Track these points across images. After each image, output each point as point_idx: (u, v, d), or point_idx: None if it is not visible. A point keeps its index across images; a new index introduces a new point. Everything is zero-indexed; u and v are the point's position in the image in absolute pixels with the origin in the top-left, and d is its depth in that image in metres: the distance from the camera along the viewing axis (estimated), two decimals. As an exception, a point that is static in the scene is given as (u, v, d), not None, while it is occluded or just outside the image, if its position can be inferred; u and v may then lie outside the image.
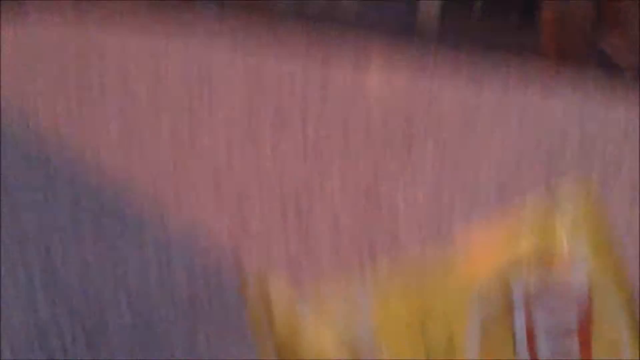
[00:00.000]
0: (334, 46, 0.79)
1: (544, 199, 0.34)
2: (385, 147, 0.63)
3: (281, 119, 0.67)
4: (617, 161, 0.59)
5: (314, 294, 0.31)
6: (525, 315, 0.31)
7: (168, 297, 0.47)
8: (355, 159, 0.61)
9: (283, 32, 0.93)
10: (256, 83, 0.73)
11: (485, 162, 0.60)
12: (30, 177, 0.60)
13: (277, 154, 0.62)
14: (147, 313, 0.46)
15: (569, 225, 0.33)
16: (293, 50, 0.80)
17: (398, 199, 0.56)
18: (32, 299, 0.48)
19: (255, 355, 0.33)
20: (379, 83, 0.65)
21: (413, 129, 0.65)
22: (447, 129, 0.64)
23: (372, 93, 0.68)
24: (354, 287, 0.31)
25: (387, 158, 0.61)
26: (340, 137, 0.64)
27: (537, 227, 0.33)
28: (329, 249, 0.52)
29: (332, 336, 0.29)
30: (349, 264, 0.49)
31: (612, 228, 0.33)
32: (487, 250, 0.32)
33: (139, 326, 0.45)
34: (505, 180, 0.57)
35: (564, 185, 0.34)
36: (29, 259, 0.51)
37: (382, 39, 0.80)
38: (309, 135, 0.64)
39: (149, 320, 0.46)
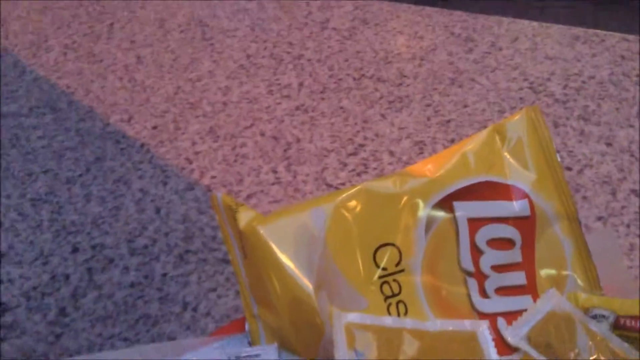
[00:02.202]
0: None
1: (492, 126, 0.36)
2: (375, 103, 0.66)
3: (279, 70, 0.71)
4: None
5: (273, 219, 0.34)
6: (469, 232, 0.34)
7: (163, 239, 0.52)
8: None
9: None
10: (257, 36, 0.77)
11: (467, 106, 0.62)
12: (40, 115, 0.65)
13: (271, 102, 0.66)
14: (146, 254, 0.51)
15: (513, 147, 0.36)
16: (294, 2, 0.83)
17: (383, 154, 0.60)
18: (39, 238, 0.52)
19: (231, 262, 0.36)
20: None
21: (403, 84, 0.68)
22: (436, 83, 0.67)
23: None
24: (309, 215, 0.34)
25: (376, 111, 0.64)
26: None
27: (484, 148, 0.36)
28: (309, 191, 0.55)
29: (288, 256, 0.33)
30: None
31: (555, 150, 0.36)
32: (436, 170, 0.35)
33: (139, 264, 0.50)
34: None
35: (513, 115, 0.37)
36: (37, 194, 0.56)
37: None
38: (302, 87, 0.68)
39: (148, 261, 0.50)
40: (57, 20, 0.88)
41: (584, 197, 0.52)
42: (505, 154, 0.36)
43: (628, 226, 0.49)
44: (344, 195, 0.34)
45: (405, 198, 0.34)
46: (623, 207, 0.50)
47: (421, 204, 0.34)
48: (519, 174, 0.36)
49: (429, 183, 0.35)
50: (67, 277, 0.49)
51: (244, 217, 0.34)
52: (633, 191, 0.52)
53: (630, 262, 0.46)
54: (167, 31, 0.83)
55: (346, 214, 0.34)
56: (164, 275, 0.49)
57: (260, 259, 0.33)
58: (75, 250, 0.51)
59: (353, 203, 0.34)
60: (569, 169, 0.55)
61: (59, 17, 0.88)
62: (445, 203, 0.34)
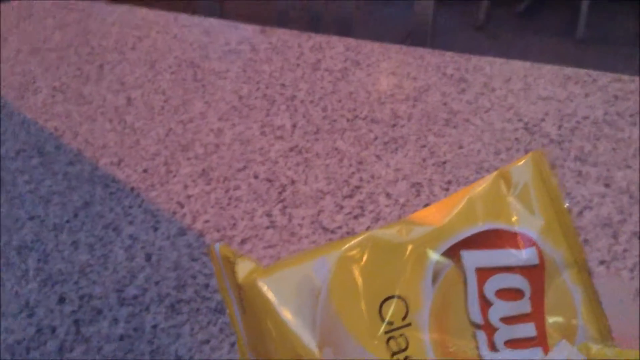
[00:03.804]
0: (329, 45, 0.82)
1: (497, 172, 0.36)
2: (370, 144, 0.65)
3: (271, 110, 0.70)
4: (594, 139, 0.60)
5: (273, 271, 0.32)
6: (477, 283, 0.33)
7: (154, 288, 0.50)
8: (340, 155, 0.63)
9: (278, 23, 0.97)
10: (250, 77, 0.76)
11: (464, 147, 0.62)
12: (27, 158, 0.63)
13: (264, 143, 0.65)
14: (136, 304, 0.49)
15: (519, 193, 0.35)
16: (286, 44, 0.83)
17: (380, 195, 0.59)
18: (25, 288, 0.50)
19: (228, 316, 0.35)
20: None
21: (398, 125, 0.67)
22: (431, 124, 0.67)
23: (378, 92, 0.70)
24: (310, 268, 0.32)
25: (372, 153, 0.63)
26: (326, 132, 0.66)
27: (489, 195, 0.35)
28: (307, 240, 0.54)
29: (290, 310, 0.31)
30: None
31: (563, 195, 0.35)
32: (442, 218, 0.34)
33: (128, 316, 0.48)
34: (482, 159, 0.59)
35: (517, 159, 0.36)
36: (23, 242, 0.54)
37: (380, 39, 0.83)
38: (295, 128, 0.67)
39: (138, 312, 0.48)
40: (45, 62, 0.87)
41: (585, 240, 0.51)
42: (512, 200, 0.35)
43: (632, 270, 0.48)
44: (348, 244, 0.32)
45: (410, 247, 0.33)
46: (625, 251, 0.49)
47: (427, 253, 0.33)
48: (527, 221, 0.35)
49: (434, 232, 0.33)
50: (54, 329, 0.47)
51: (243, 269, 0.33)
52: (634, 234, 0.51)
53: (636, 307, 0.45)
54: (158, 72, 0.82)
55: (351, 264, 0.32)
56: (155, 327, 0.47)
57: (259, 313, 0.32)
58: (62, 301, 0.49)
59: (358, 253, 0.32)
60: (568, 211, 0.54)
61: (48, 59, 0.88)
62: (452, 252, 0.33)
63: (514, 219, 0.35)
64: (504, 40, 2.78)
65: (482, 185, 0.35)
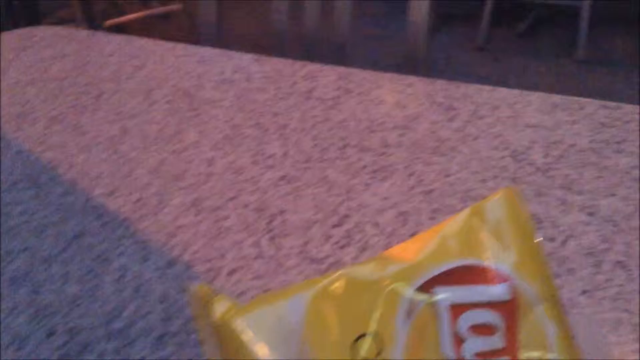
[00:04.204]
0: (322, 69, 0.84)
1: (470, 208, 0.36)
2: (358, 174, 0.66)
3: (263, 139, 0.71)
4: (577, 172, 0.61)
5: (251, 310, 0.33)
6: (451, 319, 0.34)
7: (142, 321, 0.50)
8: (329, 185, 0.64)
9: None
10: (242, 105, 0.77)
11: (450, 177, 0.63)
12: (22, 190, 0.64)
13: (255, 172, 0.66)
14: (123, 337, 0.49)
15: (492, 229, 0.36)
16: (279, 72, 0.84)
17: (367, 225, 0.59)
18: (15, 321, 0.51)
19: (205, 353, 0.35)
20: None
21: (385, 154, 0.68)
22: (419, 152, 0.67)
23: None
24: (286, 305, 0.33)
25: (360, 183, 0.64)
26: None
27: (463, 231, 0.36)
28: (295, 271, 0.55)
29: (264, 350, 0.32)
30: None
31: (535, 231, 0.36)
32: (416, 255, 0.35)
33: (115, 349, 0.48)
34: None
35: (490, 195, 0.37)
36: (15, 274, 0.55)
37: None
38: (287, 158, 0.68)
39: (124, 346, 0.49)
40: (44, 92, 0.88)
41: (569, 270, 0.51)
42: (485, 236, 0.36)
43: (614, 300, 0.48)
44: (323, 282, 0.33)
45: (385, 284, 0.34)
46: (608, 280, 0.50)
47: (401, 290, 0.34)
48: (499, 257, 0.35)
49: (409, 268, 0.34)
50: (42, 363, 0.47)
51: (219, 308, 0.33)
52: (618, 263, 0.51)
53: (617, 337, 0.45)
54: (154, 102, 0.84)
55: (325, 302, 0.33)
56: None
57: (235, 351, 0.32)
58: (51, 334, 0.50)
59: (332, 291, 0.33)
60: (553, 239, 0.55)
61: (46, 89, 0.89)
62: (426, 289, 0.34)
63: (487, 254, 0.35)
64: (504, 61, 2.80)
65: (455, 222, 0.36)
